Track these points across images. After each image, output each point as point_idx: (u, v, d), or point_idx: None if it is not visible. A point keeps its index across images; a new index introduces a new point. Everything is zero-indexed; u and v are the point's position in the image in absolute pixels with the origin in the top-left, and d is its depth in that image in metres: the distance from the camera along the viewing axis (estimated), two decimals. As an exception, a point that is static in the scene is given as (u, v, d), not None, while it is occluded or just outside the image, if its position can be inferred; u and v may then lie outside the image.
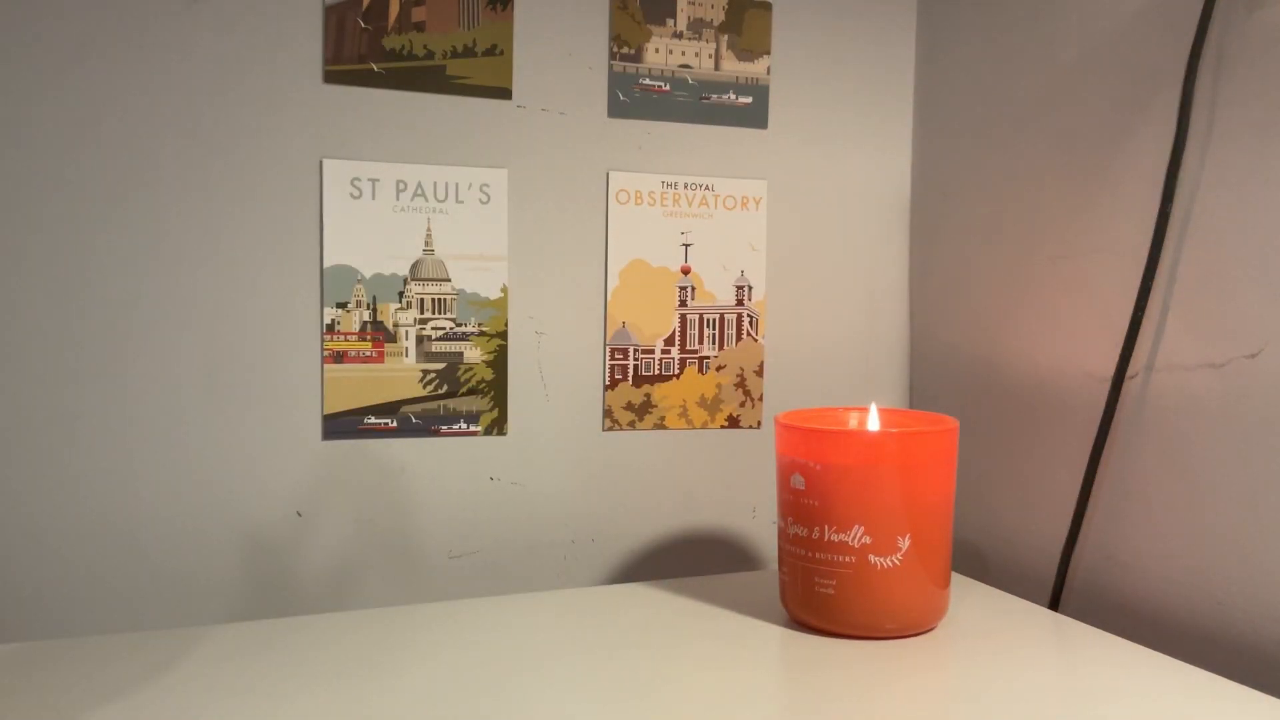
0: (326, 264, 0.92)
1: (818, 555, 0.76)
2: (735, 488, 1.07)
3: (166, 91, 0.87)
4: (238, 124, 0.89)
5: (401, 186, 0.94)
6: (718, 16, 1.03)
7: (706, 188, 1.04)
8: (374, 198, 0.93)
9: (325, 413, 0.93)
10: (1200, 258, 0.78)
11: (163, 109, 0.87)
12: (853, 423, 0.86)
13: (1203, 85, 0.78)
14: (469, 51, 0.95)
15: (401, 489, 0.95)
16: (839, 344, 1.10)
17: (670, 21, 1.01)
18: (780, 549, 0.80)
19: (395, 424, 0.95)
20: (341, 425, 0.93)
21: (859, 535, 0.75)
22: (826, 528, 0.75)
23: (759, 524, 1.08)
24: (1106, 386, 0.86)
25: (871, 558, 0.75)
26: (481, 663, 0.70)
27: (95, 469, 0.87)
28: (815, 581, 0.76)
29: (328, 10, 0.91)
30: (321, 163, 0.91)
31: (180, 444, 0.89)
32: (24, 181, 0.84)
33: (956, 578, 0.91)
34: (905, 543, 0.75)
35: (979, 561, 1.02)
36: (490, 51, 0.96)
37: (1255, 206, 0.74)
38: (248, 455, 0.91)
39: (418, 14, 0.94)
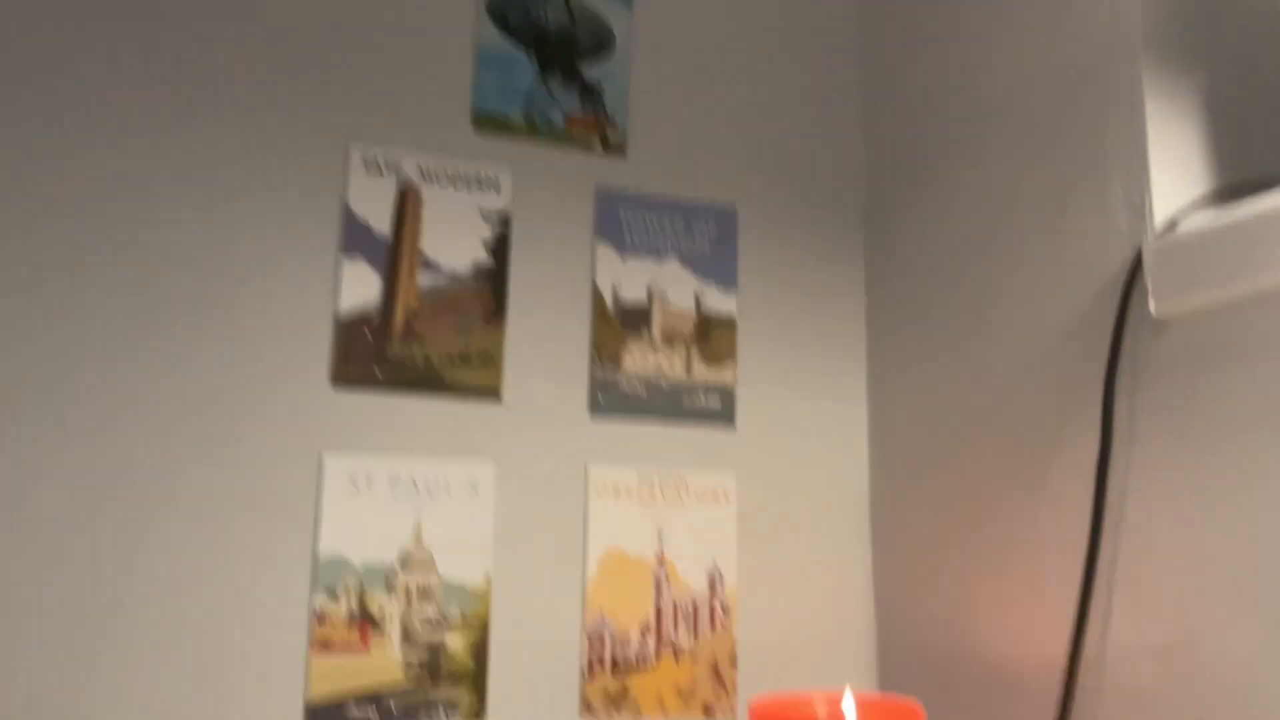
0: (321, 554, 0.97)
1: (794, 847, 0.77)
2: (711, 780, 1.07)
3: (187, 386, 0.95)
4: (249, 420, 0.96)
5: (395, 480, 1.00)
6: (688, 329, 1.14)
7: (680, 481, 1.11)
8: (370, 490, 0.99)
9: (308, 701, 0.94)
10: (1134, 550, 0.85)
11: (181, 402, 0.95)
12: (823, 712, 0.89)
13: (1121, 396, 0.88)
14: (464, 359, 1.05)
15: (379, 781, 0.95)
16: (808, 629, 1.14)
17: (646, 333, 1.13)
18: (757, 841, 0.81)
19: (377, 715, 0.96)
20: (324, 715, 0.95)
21: (834, 825, 0.76)
22: (802, 817, 0.77)
23: (735, 818, 1.07)
24: (1061, 673, 0.90)
25: None
26: None
27: (76, 760, 0.87)
28: None
29: (338, 323, 1.01)
30: (322, 456, 0.98)
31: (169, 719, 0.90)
32: (37, 461, 0.90)
33: None
34: (879, 833, 0.76)
35: None
36: (483, 359, 1.06)
37: (1178, 505, 0.82)
38: (229, 746, 0.92)
39: (420, 326, 1.04)
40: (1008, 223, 1.02)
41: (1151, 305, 0.84)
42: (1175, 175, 0.87)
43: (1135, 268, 0.87)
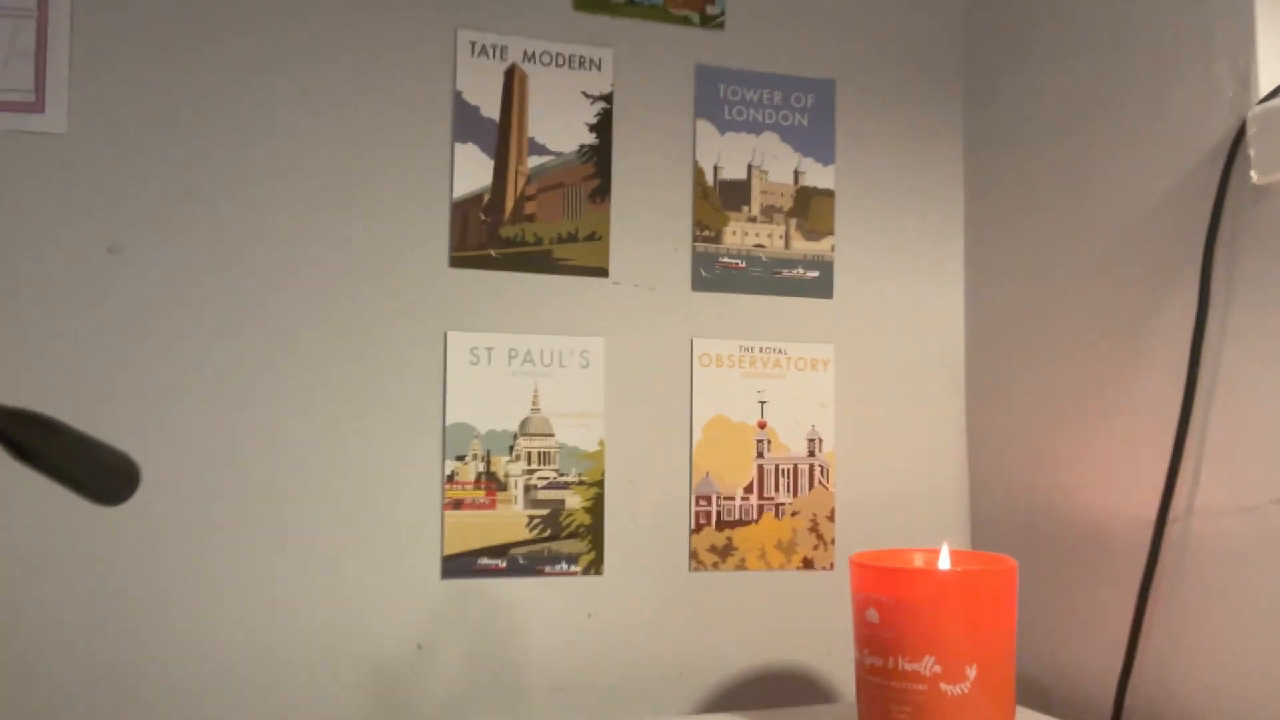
0: (449, 422, 1.05)
1: (893, 684, 0.84)
2: (811, 625, 1.15)
3: (321, 276, 1.02)
4: (377, 303, 1.04)
5: (514, 354, 1.07)
6: (787, 204, 1.18)
7: (780, 351, 1.16)
8: (490, 364, 1.07)
9: (444, 554, 1.04)
10: (1226, 414, 0.88)
11: (314, 292, 1.02)
12: (920, 562, 0.95)
13: (1219, 264, 0.90)
14: (572, 238, 1.10)
15: (510, 625, 1.05)
16: (904, 490, 1.20)
17: (745, 208, 1.16)
18: (858, 679, 0.89)
19: (505, 564, 1.06)
20: (458, 566, 1.04)
21: (930, 665, 0.83)
22: (900, 658, 0.84)
23: (834, 660, 1.16)
24: (1150, 530, 0.95)
25: (942, 685, 0.83)
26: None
27: (245, 600, 0.98)
28: (891, 708, 0.85)
29: (454, 206, 1.07)
30: (446, 334, 1.06)
31: (317, 581, 1.00)
32: (194, 350, 0.98)
33: (1021, 710, 0.98)
34: (973, 672, 0.83)
35: (1041, 694, 1.09)
36: (590, 237, 1.11)
37: (1270, 368, 0.84)
38: (376, 591, 1.02)
39: (530, 207, 1.09)
40: (1111, 93, 1.02)
41: (1253, 173, 0.85)
42: (1285, 42, 0.86)
43: (1239, 136, 0.87)
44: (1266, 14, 0.86)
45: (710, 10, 1.16)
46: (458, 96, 1.08)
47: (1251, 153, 0.85)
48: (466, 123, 1.08)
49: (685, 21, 1.16)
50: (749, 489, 1.14)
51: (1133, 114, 0.99)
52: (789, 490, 1.16)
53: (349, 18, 1.05)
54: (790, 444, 1.16)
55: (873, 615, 0.86)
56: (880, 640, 0.85)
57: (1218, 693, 0.88)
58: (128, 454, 0.67)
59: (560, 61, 1.11)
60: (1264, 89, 0.86)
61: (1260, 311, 0.86)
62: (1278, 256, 0.84)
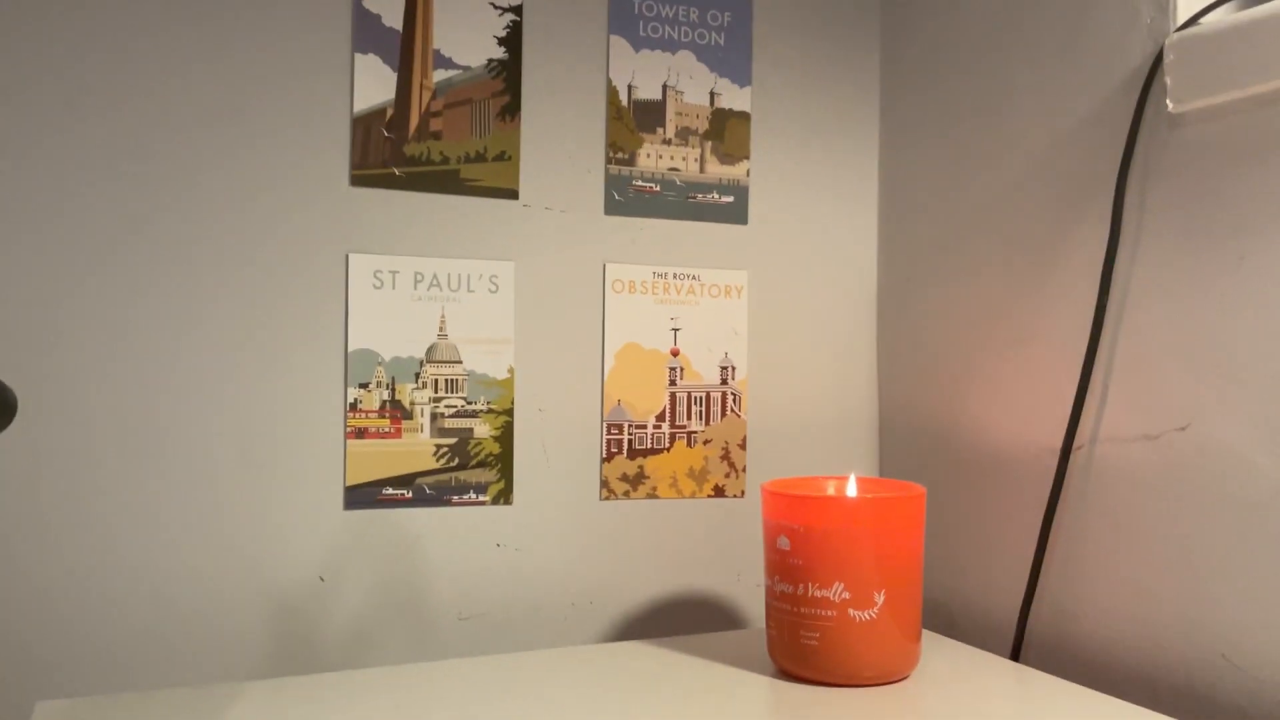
0: (351, 348, 1.01)
1: (802, 610, 0.85)
2: (721, 553, 1.15)
3: (210, 194, 0.96)
4: (273, 222, 0.98)
5: (419, 278, 1.03)
6: (702, 126, 1.15)
7: (693, 277, 1.14)
8: (394, 288, 1.02)
9: (347, 484, 1.01)
10: (1133, 344, 0.89)
11: (205, 210, 0.96)
12: (831, 490, 0.95)
13: (1132, 193, 0.90)
14: (480, 157, 1.06)
15: (416, 555, 1.03)
16: (815, 419, 1.20)
17: (660, 130, 1.13)
18: (768, 605, 0.89)
19: (410, 494, 1.03)
20: (362, 496, 1.01)
21: (839, 591, 0.83)
22: (810, 585, 0.84)
23: (743, 587, 1.16)
24: (1056, 457, 0.96)
25: (851, 611, 0.83)
26: (490, 718, 0.78)
27: (134, 534, 0.94)
28: (800, 634, 0.85)
29: (355, 121, 1.01)
30: (348, 256, 1.01)
31: (214, 511, 0.96)
32: (73, 269, 0.92)
33: (927, 634, 0.99)
34: (880, 598, 0.84)
35: (947, 618, 1.11)
36: (499, 157, 1.06)
37: (1179, 298, 0.85)
38: (276, 523, 0.98)
39: (435, 124, 1.04)
40: (1028, 17, 1.01)
41: (1169, 102, 0.85)
42: (1204, -32, 0.85)
43: (1156, 64, 0.87)
44: (1188, -64, 0.85)
45: (625, -80, 1.11)
46: (357, 4, 1.02)
47: (1168, 80, 0.85)
48: (367, 32, 1.02)
49: (599, -69, 1.11)
50: (661, 417, 1.13)
51: (1049, 39, 0.98)
52: (701, 418, 1.14)
53: (238, -86, 0.98)
54: (703, 372, 1.15)
55: (784, 542, 0.86)
56: (791, 567, 0.85)
57: (1117, 615, 0.90)
58: (3, 383, 0.63)
59: (467, -30, 1.06)
60: (1182, 16, 0.85)
61: (1171, 241, 0.86)
62: (1190, 185, 0.85)
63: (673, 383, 1.13)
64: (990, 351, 1.06)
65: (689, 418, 1.14)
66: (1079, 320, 0.95)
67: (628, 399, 1.11)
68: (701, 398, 1.15)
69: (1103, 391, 0.92)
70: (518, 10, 1.07)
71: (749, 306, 1.17)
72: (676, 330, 1.14)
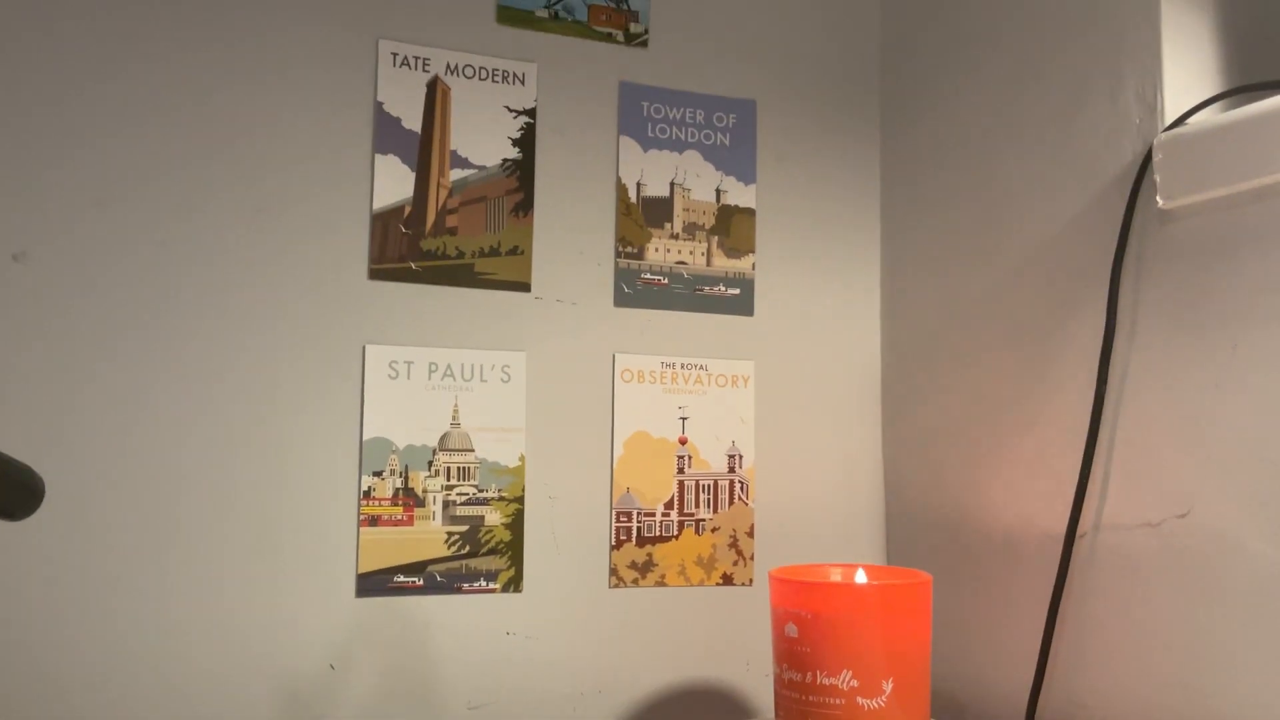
0: (366, 436, 1.03)
1: (811, 698, 0.85)
2: (730, 641, 1.15)
3: (230, 284, 1.00)
4: (293, 313, 1.01)
5: (433, 368, 1.06)
6: (709, 221, 1.18)
7: (701, 367, 1.17)
8: (409, 378, 1.05)
9: (359, 571, 1.02)
10: (1132, 431, 0.91)
11: (225, 298, 0.99)
12: (837, 577, 0.96)
13: (1126, 285, 0.92)
14: (494, 251, 1.09)
15: (426, 643, 1.03)
16: (821, 505, 1.21)
17: (668, 225, 1.17)
18: (776, 694, 0.89)
19: (422, 582, 1.04)
20: (373, 583, 1.02)
21: (848, 679, 0.84)
22: (818, 672, 0.85)
23: (752, 675, 1.16)
24: (1061, 543, 0.97)
25: (859, 700, 0.84)
26: (514, 797, 0.78)
27: (147, 624, 0.95)
28: (809, 722, 0.85)
29: (374, 218, 1.05)
30: (365, 348, 1.04)
31: (228, 598, 0.98)
32: (90, 356, 0.95)
33: (936, 722, 0.99)
34: (889, 686, 0.84)
35: (956, 708, 1.11)
36: (513, 251, 1.10)
37: (1175, 387, 0.87)
38: (288, 610, 0.99)
39: (451, 220, 1.08)
40: (1021, 116, 1.05)
41: (1159, 199, 0.88)
42: (1188, 73, 0.89)
43: (1145, 162, 0.90)
44: (1172, 44, 0.89)
45: (634, 28, 1.17)
46: (379, 108, 1.06)
47: (1157, 178, 0.88)
48: (388, 134, 1.06)
49: (609, 39, 1.16)
50: (669, 505, 1.14)
51: (1043, 139, 1.02)
52: (709, 506, 1.16)
53: (268, 28, 1.03)
54: (711, 460, 1.16)
55: (791, 630, 0.86)
56: (799, 655, 0.86)
57: (1124, 701, 0.90)
58: (32, 468, 0.64)
59: (483, 75, 1.10)
60: (1170, 116, 0.89)
61: (1165, 332, 0.89)
62: (1182, 279, 0.87)
63: (681, 470, 1.15)
64: (993, 440, 1.07)
65: (697, 505, 1.15)
66: (1079, 407, 0.96)
67: (637, 487, 1.13)
68: (709, 485, 1.16)
69: (1104, 478, 0.93)
70: (531, 113, 1.12)
71: (755, 395, 1.19)
72: (684, 419, 1.16)
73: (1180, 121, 0.88)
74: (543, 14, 1.13)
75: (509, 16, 1.12)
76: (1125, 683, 0.90)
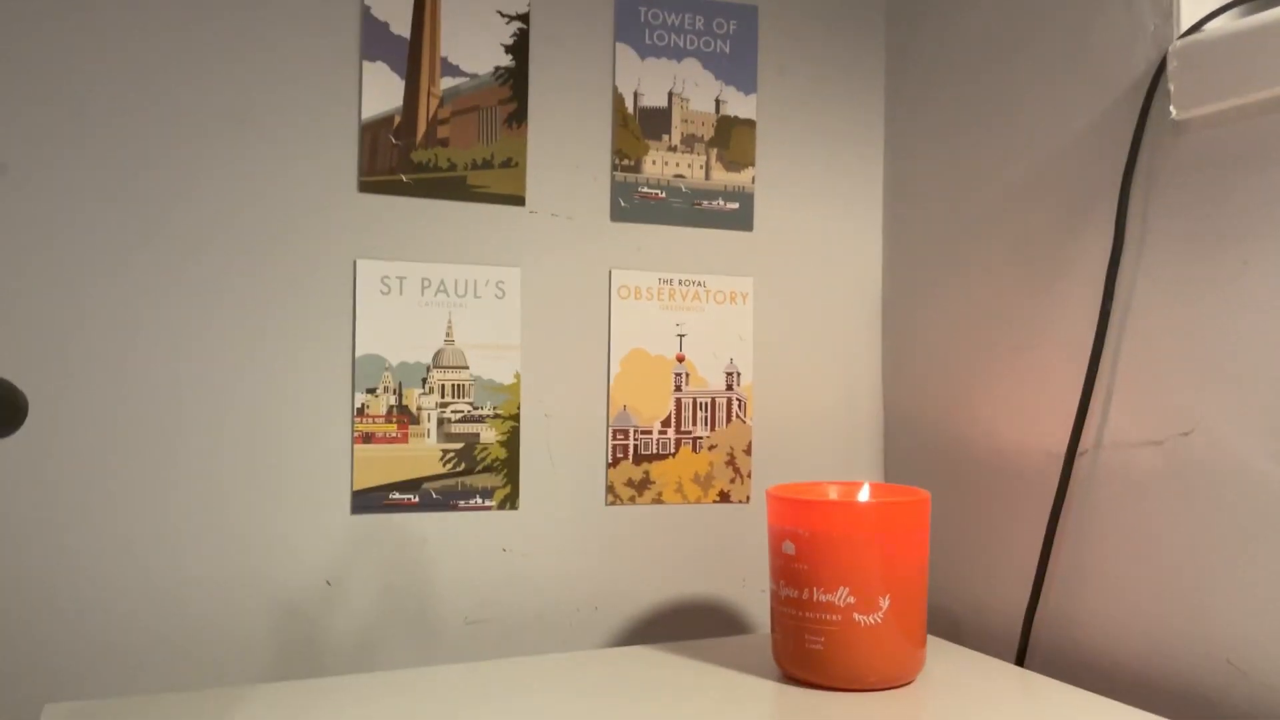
0: (358, 353, 1.01)
1: (807, 615, 0.85)
2: (726, 558, 1.15)
3: (218, 200, 0.97)
4: (281, 228, 0.99)
5: (426, 283, 1.04)
6: (708, 133, 1.15)
7: (699, 284, 1.15)
8: (401, 294, 1.03)
9: (354, 489, 1.01)
10: (1137, 349, 0.89)
11: (213, 215, 0.97)
12: (835, 495, 0.95)
13: (1135, 199, 0.90)
14: (487, 164, 1.06)
15: (422, 559, 1.03)
16: (820, 424, 1.20)
17: (666, 137, 1.13)
18: (773, 610, 0.89)
19: (417, 499, 1.03)
20: (368, 500, 1.02)
21: (844, 595, 0.84)
22: (815, 589, 0.84)
23: (748, 592, 1.16)
24: (1061, 462, 0.96)
25: (856, 616, 0.84)
26: None
27: (142, 537, 0.95)
28: (805, 639, 0.85)
29: (363, 128, 1.02)
30: (355, 263, 1.02)
31: (222, 515, 0.97)
32: (80, 275, 0.93)
33: (932, 639, 1.00)
34: (885, 602, 0.84)
35: (952, 624, 1.11)
36: (506, 164, 1.07)
37: (1182, 305, 0.85)
38: (283, 527, 0.99)
39: (443, 131, 1.05)
40: (1032, 24, 1.01)
41: (1173, 109, 0.85)
42: (1207, -25, 0.86)
43: (1159, 71, 0.87)
44: (1191, -55, 0.86)
45: (632, -71, 1.12)
46: (366, 12, 1.02)
47: (1171, 87, 0.85)
48: (375, 40, 1.03)
49: (606, -60, 1.11)
50: (666, 423, 1.13)
51: (1054, 46, 0.99)
52: (706, 424, 1.15)
53: (248, -77, 0.99)
54: (708, 378, 1.15)
55: (789, 547, 0.86)
56: (796, 572, 0.85)
57: (1122, 620, 0.90)
58: (14, 384, 0.63)
59: (475, -22, 1.06)
60: (1185, 23, 0.85)
61: (1174, 247, 0.87)
62: (1193, 192, 0.85)
63: (678, 388, 1.14)
64: (995, 357, 1.06)
65: (694, 423, 1.14)
66: (1083, 326, 0.95)
67: (633, 404, 1.12)
68: (707, 403, 1.15)
69: (1107, 397, 0.92)
70: (524, 18, 1.08)
71: (754, 313, 1.17)
72: (682, 336, 1.14)
73: (1197, 28, 0.84)
74: (536, -86, 1.09)
75: (501, -84, 1.07)
76: (1123, 601, 0.90)
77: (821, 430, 1.21)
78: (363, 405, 1.02)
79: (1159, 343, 0.87)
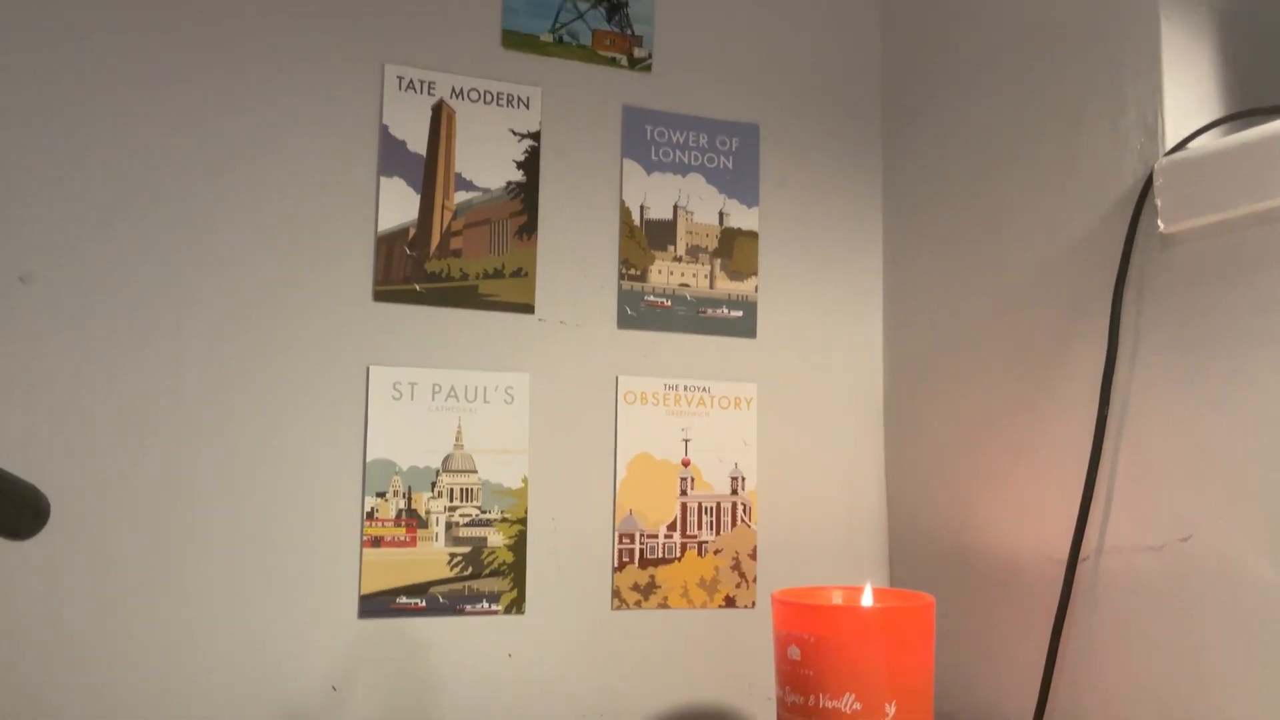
0: (369, 458, 1.03)
1: (814, 721, 0.85)
2: (732, 664, 1.15)
3: (237, 305, 1.00)
4: (297, 334, 1.02)
5: (437, 389, 1.06)
6: (712, 244, 1.19)
7: (704, 390, 1.17)
8: (413, 399, 1.05)
9: (362, 593, 1.02)
10: (1135, 454, 0.91)
11: (231, 320, 1.00)
12: (840, 599, 0.96)
13: (1128, 308, 0.93)
14: (498, 273, 1.10)
15: (428, 665, 1.03)
16: (824, 528, 1.21)
17: (671, 248, 1.17)
18: (779, 717, 0.89)
19: (424, 604, 1.04)
20: (376, 605, 1.02)
21: (850, 702, 0.84)
22: (821, 695, 0.84)
23: (754, 698, 1.16)
24: (1063, 567, 0.97)
25: (862, 723, 0.83)
26: (515, 820, 0.77)
27: (152, 641, 0.95)
28: (812, 746, 0.85)
29: (379, 239, 1.06)
30: (369, 369, 1.04)
31: (230, 618, 0.97)
32: (98, 376, 0.96)
33: (940, 746, 0.99)
34: (892, 709, 0.84)
35: (960, 733, 1.10)
36: (517, 273, 1.10)
37: (1176, 411, 0.87)
38: (291, 631, 0.99)
39: (456, 243, 1.09)
40: (1022, 140, 1.06)
41: (1160, 223, 0.89)
42: (1189, 98, 0.90)
43: (1146, 186, 0.91)
44: (1173, 69, 0.90)
45: (638, 53, 1.18)
46: (384, 131, 1.07)
47: (1159, 202, 0.88)
48: (393, 157, 1.07)
49: (613, 63, 1.17)
50: (672, 527, 1.14)
51: (1045, 159, 1.03)
52: (712, 528, 1.16)
53: (275, 52, 1.04)
54: (713, 482, 1.17)
55: (794, 652, 0.86)
56: (801, 677, 0.86)
57: (1128, 727, 0.90)
58: (38, 488, 0.65)
59: (488, 99, 1.11)
60: (1170, 141, 0.89)
61: (1166, 354, 0.89)
62: (1183, 302, 0.88)
63: (684, 493, 1.15)
64: (996, 461, 1.07)
65: (700, 527, 1.15)
66: (1081, 431, 0.97)
67: (639, 508, 1.13)
68: (712, 508, 1.16)
69: (1106, 502, 0.93)
70: (535, 136, 1.13)
71: (758, 418, 1.19)
72: (687, 441, 1.16)
73: (1181, 146, 0.88)
74: (547, 38, 1.14)
75: (514, 41, 1.13)
76: (1128, 706, 0.90)
77: (826, 534, 1.21)
78: (372, 509, 1.03)
79: (1155, 448, 0.89)
